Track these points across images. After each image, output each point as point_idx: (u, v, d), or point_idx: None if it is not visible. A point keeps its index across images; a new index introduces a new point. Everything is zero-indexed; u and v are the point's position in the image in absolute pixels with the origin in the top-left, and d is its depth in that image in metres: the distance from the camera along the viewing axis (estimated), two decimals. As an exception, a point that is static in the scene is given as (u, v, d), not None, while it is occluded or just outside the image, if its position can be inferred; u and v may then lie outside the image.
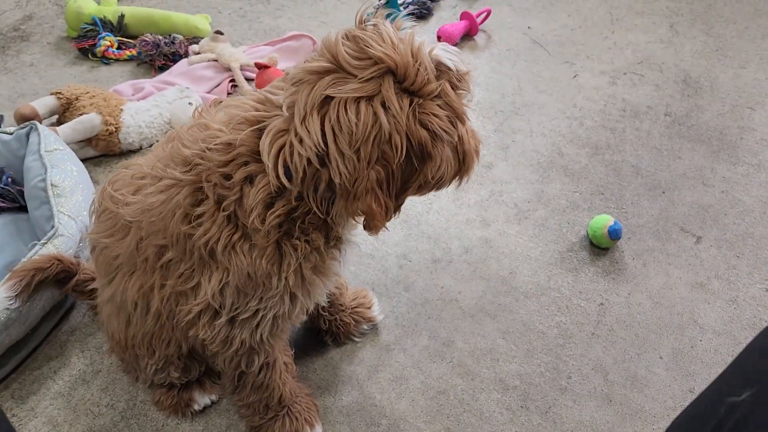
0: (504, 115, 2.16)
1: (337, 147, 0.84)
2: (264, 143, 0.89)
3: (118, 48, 2.41)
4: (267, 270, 0.97)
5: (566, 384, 1.44)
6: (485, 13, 2.55)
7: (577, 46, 2.50)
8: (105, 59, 2.40)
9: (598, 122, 2.14)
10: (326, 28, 2.58)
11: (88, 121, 1.89)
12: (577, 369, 1.46)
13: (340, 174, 0.85)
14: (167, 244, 1.00)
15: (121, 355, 1.28)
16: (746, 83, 2.27)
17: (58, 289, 1.42)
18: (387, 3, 2.42)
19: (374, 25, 0.88)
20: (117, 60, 2.40)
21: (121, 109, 1.97)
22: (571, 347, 1.50)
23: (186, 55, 2.36)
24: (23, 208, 1.67)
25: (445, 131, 0.88)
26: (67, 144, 1.79)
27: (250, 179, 0.93)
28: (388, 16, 0.91)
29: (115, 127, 1.94)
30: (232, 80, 2.26)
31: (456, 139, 0.92)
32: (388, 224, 0.97)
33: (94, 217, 1.15)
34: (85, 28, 2.40)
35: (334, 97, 0.83)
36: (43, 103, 1.95)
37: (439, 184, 0.96)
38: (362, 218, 0.95)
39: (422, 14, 2.63)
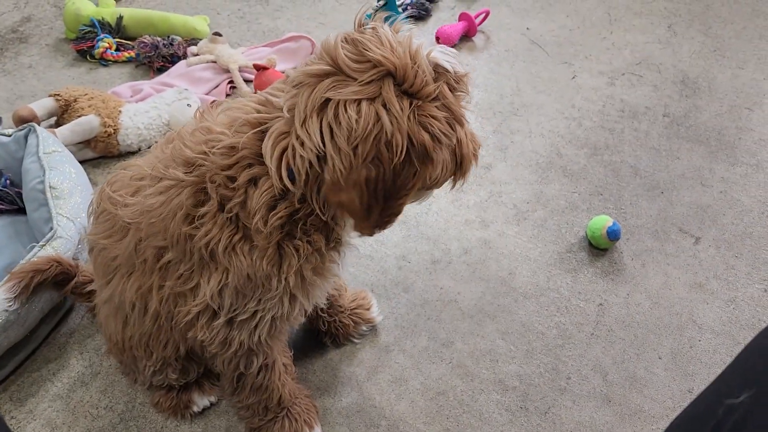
0: (503, 116, 2.17)
1: (335, 144, 0.84)
2: (266, 146, 0.89)
3: (117, 50, 2.41)
4: (267, 271, 0.97)
5: (565, 384, 1.44)
6: (483, 14, 2.55)
7: (576, 46, 2.50)
8: (103, 61, 2.40)
9: (596, 123, 2.14)
10: (325, 30, 2.58)
11: (86, 123, 1.89)
12: (576, 369, 1.46)
13: (335, 169, 0.85)
14: (167, 245, 1.00)
15: (119, 356, 1.28)
16: (744, 83, 2.28)
17: (56, 291, 1.42)
18: (385, 5, 2.42)
19: (373, 28, 0.88)
20: (115, 62, 2.40)
21: (120, 111, 1.97)
22: (570, 348, 1.50)
23: (184, 56, 2.36)
24: (22, 210, 1.67)
25: (444, 134, 0.88)
26: (66, 146, 1.79)
27: (254, 181, 0.93)
28: (386, 18, 0.92)
29: (114, 129, 1.94)
30: (231, 82, 2.26)
31: (454, 142, 0.93)
32: (385, 230, 0.97)
33: (92, 218, 1.15)
34: (83, 29, 2.40)
35: (334, 99, 0.83)
36: (42, 105, 1.95)
37: (433, 187, 0.97)
38: (343, 212, 0.93)
39: (420, 15, 2.64)
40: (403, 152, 0.85)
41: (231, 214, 0.94)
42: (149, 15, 2.47)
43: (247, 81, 2.27)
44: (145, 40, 2.33)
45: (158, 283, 1.06)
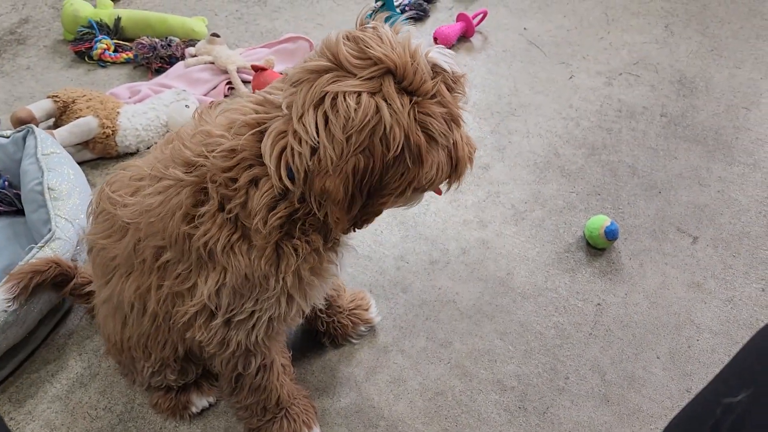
0: (500, 116, 2.17)
1: (329, 131, 0.84)
2: (265, 146, 0.89)
3: (115, 51, 2.41)
4: (265, 271, 0.97)
5: (564, 384, 1.44)
6: (481, 15, 2.55)
7: (573, 46, 2.50)
8: (101, 62, 2.40)
9: (594, 123, 2.14)
10: (322, 30, 2.58)
11: (84, 124, 1.89)
12: (574, 369, 1.46)
13: (326, 156, 0.85)
14: (165, 244, 1.01)
15: (117, 357, 1.28)
16: (741, 83, 2.28)
17: (55, 292, 1.42)
18: (383, 5, 2.42)
19: (374, 27, 0.89)
20: (113, 63, 2.40)
21: (118, 112, 1.97)
22: (568, 348, 1.51)
23: (182, 57, 2.36)
24: (20, 212, 1.67)
25: (441, 134, 0.89)
26: (64, 147, 1.79)
27: (254, 182, 0.93)
28: (387, 19, 0.93)
29: (112, 130, 1.94)
30: (229, 83, 2.26)
31: (451, 143, 0.93)
32: (361, 229, 0.97)
33: (91, 218, 1.15)
34: (81, 31, 2.40)
35: (332, 91, 0.84)
36: (40, 107, 1.96)
37: (427, 188, 0.97)
38: (322, 200, 0.92)
39: (419, 16, 2.64)
40: (399, 147, 0.85)
41: (231, 215, 0.95)
42: (147, 16, 2.47)
43: (245, 82, 2.27)
44: (144, 42, 2.33)
45: (157, 283, 1.06)
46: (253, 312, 1.04)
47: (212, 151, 0.94)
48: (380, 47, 0.85)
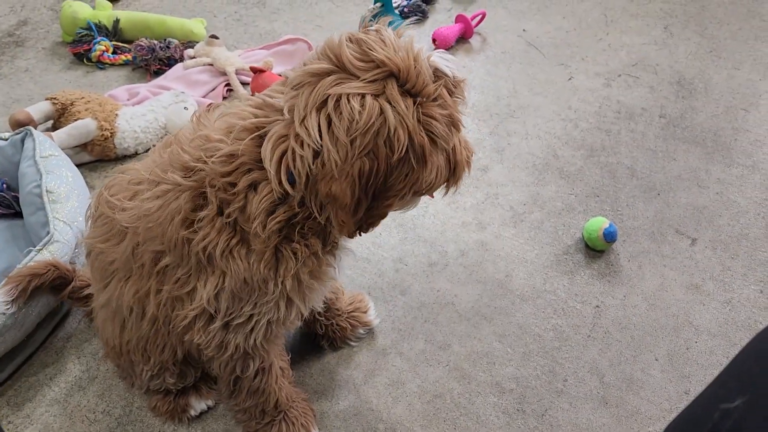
0: (499, 118, 2.17)
1: (332, 134, 0.84)
2: (265, 150, 0.89)
3: (114, 53, 2.41)
4: (264, 275, 0.97)
5: (562, 387, 1.44)
6: (480, 16, 2.55)
7: (572, 48, 2.50)
8: (100, 64, 2.40)
9: (593, 124, 2.14)
10: (321, 32, 2.58)
11: (83, 127, 1.89)
12: (573, 372, 1.46)
13: (330, 159, 0.85)
14: (164, 249, 1.01)
15: (116, 360, 1.28)
16: (740, 84, 2.28)
17: (53, 295, 1.42)
18: (383, 7, 2.42)
19: (377, 30, 0.90)
20: (112, 65, 2.40)
21: (117, 114, 1.97)
22: (567, 350, 1.51)
23: (181, 59, 2.36)
24: (18, 214, 1.67)
25: (442, 137, 0.89)
26: (63, 149, 1.79)
27: (253, 186, 0.93)
28: (390, 23, 0.93)
29: (111, 132, 1.94)
30: (228, 84, 2.26)
31: (450, 146, 0.93)
32: (366, 232, 0.97)
33: (90, 222, 1.15)
34: (80, 32, 2.40)
35: (335, 93, 0.84)
36: (38, 109, 1.95)
37: (426, 191, 0.97)
38: (329, 204, 0.92)
39: (417, 18, 2.64)
40: (403, 149, 0.85)
41: (230, 219, 0.94)
42: (146, 18, 2.47)
43: (243, 84, 2.27)
44: (142, 43, 2.33)
45: (155, 287, 1.06)
46: (251, 316, 1.04)
47: (211, 156, 0.94)
48: (383, 50, 0.85)
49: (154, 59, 2.32)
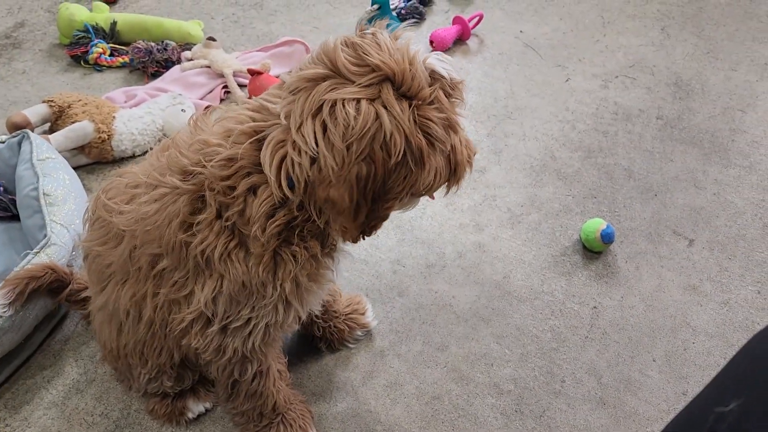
0: (497, 120, 2.17)
1: (328, 140, 0.84)
2: (264, 155, 0.89)
3: (111, 55, 2.41)
4: (263, 278, 0.97)
5: (560, 388, 1.44)
6: (477, 18, 2.56)
7: (569, 49, 2.51)
8: (97, 66, 2.39)
9: (590, 125, 2.15)
10: (319, 34, 2.59)
11: (80, 129, 1.89)
12: (570, 373, 1.47)
13: (326, 165, 0.85)
14: (162, 252, 1.01)
15: (113, 364, 1.28)
16: (737, 85, 2.29)
17: (51, 298, 1.42)
18: (380, 9, 2.42)
19: (373, 33, 0.89)
20: (109, 67, 2.40)
21: (114, 117, 1.97)
22: (564, 351, 1.51)
23: (179, 61, 2.36)
24: (15, 217, 1.67)
25: (439, 139, 0.89)
26: (60, 152, 1.79)
27: (253, 190, 0.93)
28: (387, 26, 0.93)
29: (108, 135, 1.93)
30: (225, 86, 2.26)
31: (449, 148, 0.93)
32: (369, 236, 0.97)
33: (87, 225, 1.15)
34: (77, 35, 2.40)
35: (331, 99, 0.84)
36: (35, 111, 1.95)
37: (425, 192, 0.97)
38: (328, 209, 0.92)
39: (415, 20, 2.64)
40: (401, 153, 0.85)
41: (229, 222, 0.94)
42: (143, 20, 2.47)
43: (241, 86, 2.27)
44: (139, 45, 2.33)
45: (153, 290, 1.06)
46: (249, 319, 1.04)
47: (210, 159, 0.94)
48: (378, 54, 0.85)
49: (152, 61, 2.32)
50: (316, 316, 1.42)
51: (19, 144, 1.71)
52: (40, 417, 1.38)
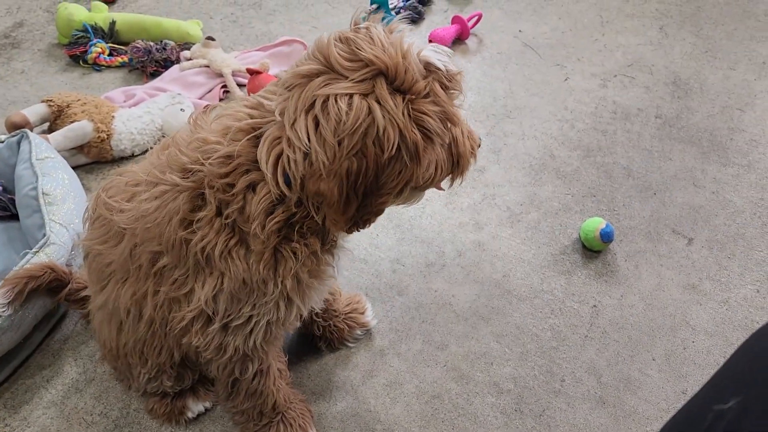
0: (496, 119, 2.17)
1: (320, 135, 0.83)
2: (261, 152, 0.89)
3: (110, 55, 2.41)
4: (264, 275, 0.97)
5: (560, 387, 1.44)
6: (476, 17, 2.56)
7: (568, 48, 2.51)
8: (96, 66, 2.39)
9: (589, 125, 2.15)
10: (318, 33, 2.55)
11: (79, 129, 1.89)
12: (570, 372, 1.47)
13: (317, 160, 0.84)
14: (162, 250, 1.00)
15: (113, 363, 1.28)
16: (735, 84, 2.29)
17: (50, 297, 1.42)
18: (379, 8, 2.42)
19: (366, 27, 0.89)
20: (108, 67, 2.40)
21: (113, 116, 1.97)
22: (564, 350, 1.51)
23: (178, 61, 2.36)
24: (15, 217, 1.66)
25: (436, 132, 0.89)
26: (59, 151, 1.78)
27: (252, 187, 0.93)
28: (382, 19, 0.92)
29: (107, 134, 1.93)
30: (224, 86, 2.26)
31: (448, 140, 0.93)
32: (362, 229, 0.97)
33: (87, 224, 1.15)
34: (76, 35, 2.39)
35: (323, 94, 0.83)
36: (34, 111, 1.95)
37: (426, 186, 0.97)
38: (318, 203, 0.92)
39: (414, 19, 2.64)
40: (394, 148, 0.85)
41: (229, 220, 0.94)
42: (142, 20, 2.46)
43: (240, 85, 2.27)
44: (138, 45, 2.33)
45: (153, 288, 1.06)
46: (250, 317, 1.03)
47: (208, 157, 0.94)
48: (371, 48, 0.85)
49: (151, 61, 2.31)
50: (316, 315, 1.43)
51: (18, 143, 1.71)
52: (40, 416, 1.38)
